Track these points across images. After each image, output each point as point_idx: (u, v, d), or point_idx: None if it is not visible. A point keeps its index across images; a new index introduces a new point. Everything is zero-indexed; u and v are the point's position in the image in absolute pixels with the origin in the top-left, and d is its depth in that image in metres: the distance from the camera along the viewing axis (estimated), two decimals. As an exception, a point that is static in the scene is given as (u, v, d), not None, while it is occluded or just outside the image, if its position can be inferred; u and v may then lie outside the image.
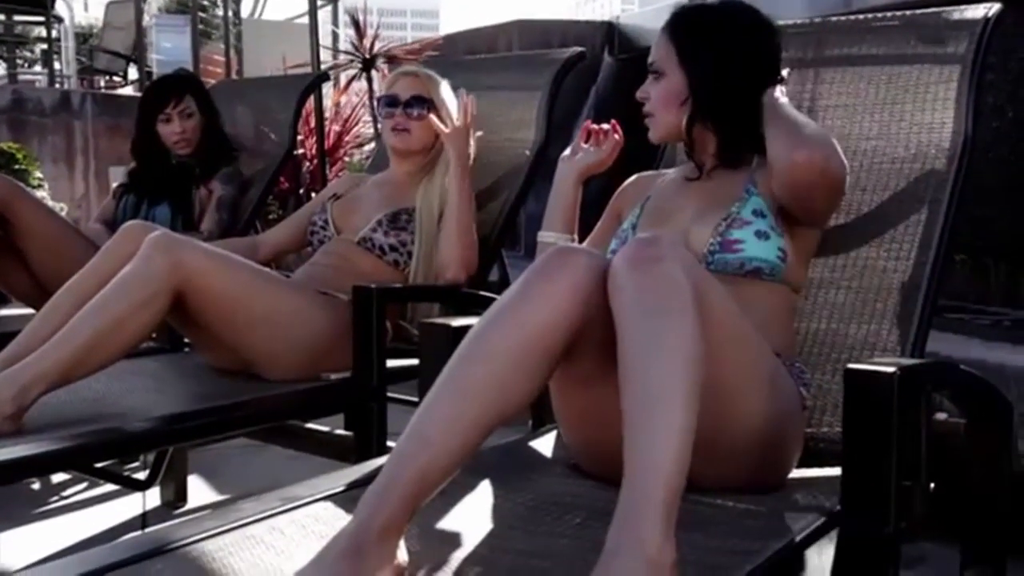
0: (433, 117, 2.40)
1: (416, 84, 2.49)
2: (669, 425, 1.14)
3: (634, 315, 1.22)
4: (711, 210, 1.66)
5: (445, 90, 2.50)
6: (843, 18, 2.04)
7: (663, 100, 1.71)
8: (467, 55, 5.18)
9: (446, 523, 1.40)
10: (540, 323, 1.27)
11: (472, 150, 2.42)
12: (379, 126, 2.56)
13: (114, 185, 3.35)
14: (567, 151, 1.99)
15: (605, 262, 1.31)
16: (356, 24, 6.08)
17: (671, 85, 1.70)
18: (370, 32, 5.98)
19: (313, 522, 1.39)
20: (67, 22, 10.78)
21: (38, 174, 5.71)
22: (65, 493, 3.02)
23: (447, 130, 2.37)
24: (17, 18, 10.84)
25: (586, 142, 1.98)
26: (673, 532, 1.11)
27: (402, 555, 1.22)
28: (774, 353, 1.52)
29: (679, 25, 1.71)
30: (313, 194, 5.02)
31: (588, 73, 5.37)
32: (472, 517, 1.43)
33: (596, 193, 2.04)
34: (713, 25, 1.69)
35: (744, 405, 1.41)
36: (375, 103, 2.58)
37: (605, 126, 1.97)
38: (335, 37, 7.29)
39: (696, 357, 1.19)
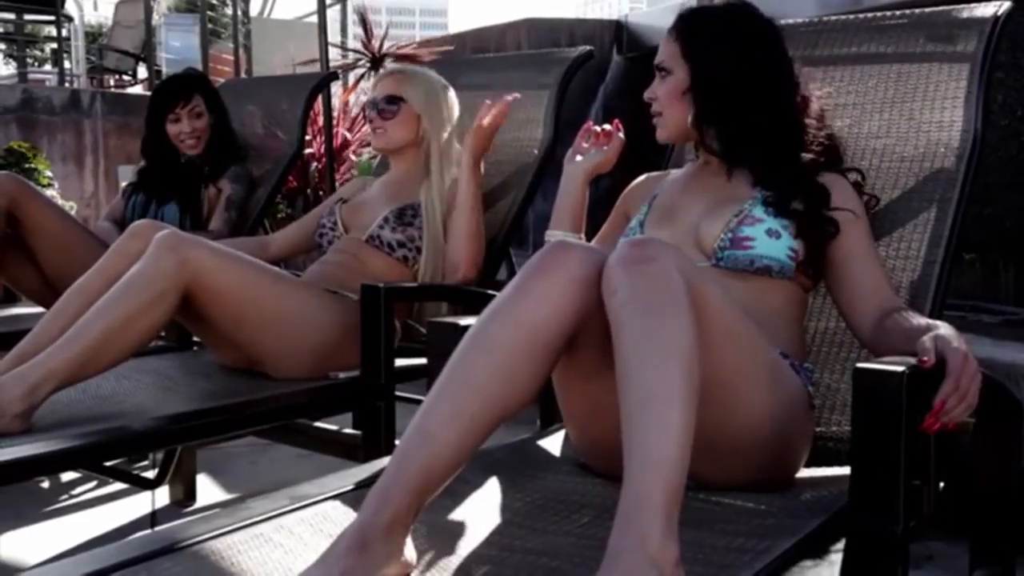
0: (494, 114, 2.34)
1: (390, 84, 2.51)
2: (667, 423, 1.14)
3: (629, 315, 1.22)
4: (721, 207, 1.66)
5: (422, 84, 2.49)
6: (852, 16, 2.04)
7: (669, 96, 1.73)
8: (475, 54, 5.19)
9: (454, 521, 1.40)
10: (538, 318, 1.28)
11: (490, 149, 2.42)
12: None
13: (123, 184, 3.36)
14: (569, 152, 2.00)
15: (601, 256, 1.31)
16: (364, 23, 6.07)
17: (676, 81, 1.72)
18: (379, 31, 5.97)
19: (322, 521, 1.40)
20: (77, 21, 10.82)
21: (48, 173, 5.73)
22: (74, 492, 3.03)
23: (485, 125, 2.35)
24: (27, 17, 10.90)
25: (586, 142, 1.99)
26: (676, 530, 1.11)
27: (410, 552, 1.22)
28: (777, 350, 1.52)
29: (684, 25, 1.74)
30: (321, 193, 5.03)
31: (596, 72, 5.36)
32: (480, 516, 1.43)
33: (604, 192, 2.03)
34: (715, 24, 1.72)
35: (743, 401, 1.41)
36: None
37: (607, 126, 1.97)
38: (344, 36, 7.28)
39: (692, 354, 1.19)
